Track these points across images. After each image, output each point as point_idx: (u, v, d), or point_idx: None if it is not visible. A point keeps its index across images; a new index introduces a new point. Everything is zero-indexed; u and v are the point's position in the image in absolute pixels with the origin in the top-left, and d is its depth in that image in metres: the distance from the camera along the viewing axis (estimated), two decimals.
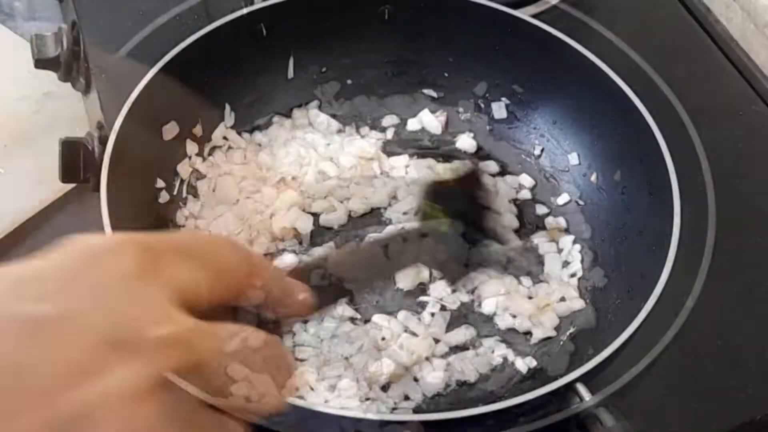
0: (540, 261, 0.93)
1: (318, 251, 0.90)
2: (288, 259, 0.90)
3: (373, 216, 0.95)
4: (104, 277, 0.47)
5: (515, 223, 0.95)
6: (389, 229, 0.92)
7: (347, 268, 0.70)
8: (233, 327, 0.52)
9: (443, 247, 0.81)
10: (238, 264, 0.53)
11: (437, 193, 0.82)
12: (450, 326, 0.88)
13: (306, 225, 0.92)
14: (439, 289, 0.89)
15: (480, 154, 1.01)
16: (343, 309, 0.87)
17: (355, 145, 1.00)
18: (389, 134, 1.02)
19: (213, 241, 0.54)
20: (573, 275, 0.91)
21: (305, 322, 0.86)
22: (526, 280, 0.91)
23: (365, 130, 1.02)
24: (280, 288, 0.59)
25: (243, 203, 0.94)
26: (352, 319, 0.87)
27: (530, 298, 0.90)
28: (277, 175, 0.96)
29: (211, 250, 0.52)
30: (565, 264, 0.93)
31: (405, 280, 0.89)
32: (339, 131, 1.02)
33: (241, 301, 0.56)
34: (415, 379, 0.84)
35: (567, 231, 0.95)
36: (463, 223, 0.82)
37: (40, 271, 0.48)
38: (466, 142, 1.01)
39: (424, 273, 0.89)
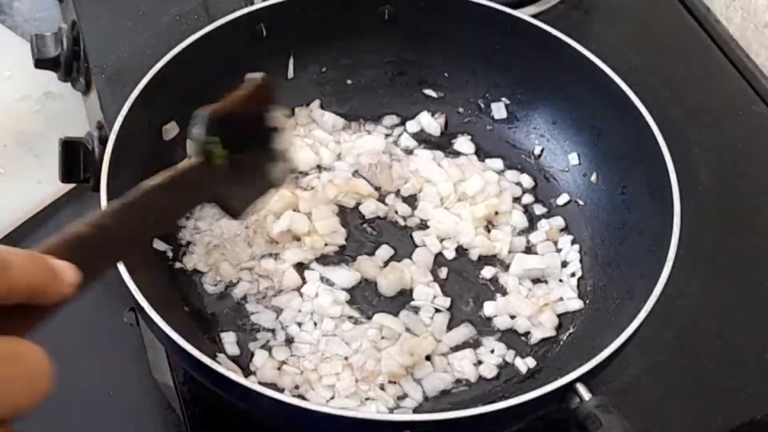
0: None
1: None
2: (291, 257, 0.90)
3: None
4: None
5: (524, 223, 0.95)
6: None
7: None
8: None
9: (218, 185, 0.74)
10: None
11: (218, 122, 0.74)
12: (450, 326, 0.88)
13: (301, 226, 0.92)
14: (424, 292, 0.89)
15: (481, 153, 1.01)
16: (342, 308, 0.87)
17: (365, 139, 1.00)
18: (396, 132, 1.02)
19: None
20: (572, 275, 0.91)
21: (299, 324, 0.86)
22: (526, 281, 0.91)
23: (370, 126, 1.02)
24: (36, 275, 0.50)
25: None
26: (351, 318, 0.87)
27: (529, 297, 0.90)
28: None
29: None
30: (564, 264, 0.93)
31: (387, 287, 0.89)
32: (345, 128, 1.02)
33: None
34: (415, 380, 0.84)
35: (566, 231, 0.95)
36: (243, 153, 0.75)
37: None
38: (463, 144, 1.01)
39: (406, 278, 0.90)
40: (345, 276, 0.89)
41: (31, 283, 0.49)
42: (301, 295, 0.88)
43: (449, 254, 0.93)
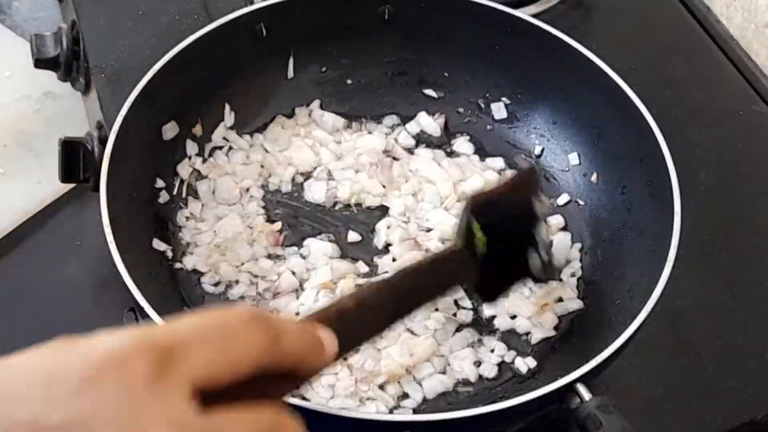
0: None
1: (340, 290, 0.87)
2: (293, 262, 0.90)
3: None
4: (114, 387, 0.44)
5: None
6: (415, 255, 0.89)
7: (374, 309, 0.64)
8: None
9: (474, 270, 0.74)
10: (258, 336, 0.49)
11: (482, 207, 0.75)
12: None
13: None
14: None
15: (481, 153, 1.01)
16: None
17: (365, 138, 1.00)
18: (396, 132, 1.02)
19: (226, 319, 0.50)
20: (573, 275, 0.91)
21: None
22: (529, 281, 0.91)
23: (371, 125, 1.02)
24: (304, 344, 0.53)
25: (245, 204, 0.94)
26: None
27: (529, 297, 0.90)
28: (287, 174, 0.96)
29: (227, 328, 0.48)
30: (566, 263, 0.92)
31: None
32: (346, 127, 1.02)
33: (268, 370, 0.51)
34: (415, 380, 0.84)
35: (566, 230, 0.95)
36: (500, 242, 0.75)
37: (66, 370, 0.44)
38: (463, 145, 1.01)
39: None
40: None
41: (301, 351, 0.51)
42: (297, 298, 0.88)
43: None
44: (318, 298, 0.88)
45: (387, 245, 0.92)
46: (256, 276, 0.89)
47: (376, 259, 0.91)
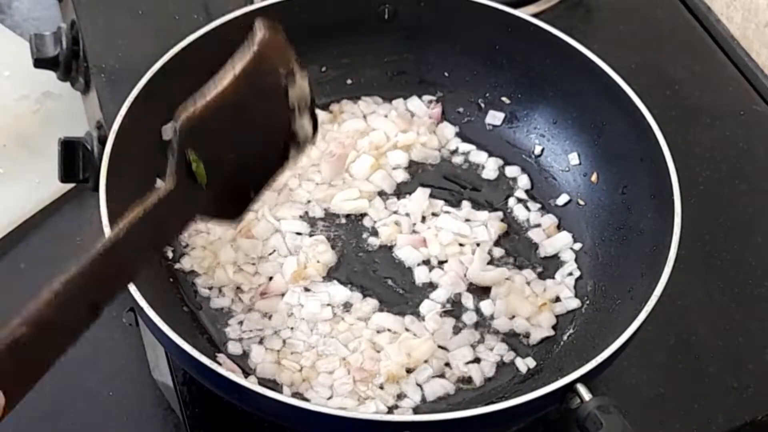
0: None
1: None
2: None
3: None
4: None
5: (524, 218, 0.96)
6: None
7: None
8: None
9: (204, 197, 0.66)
10: None
11: (197, 130, 0.65)
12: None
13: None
14: (441, 293, 0.89)
15: (481, 153, 1.01)
16: (333, 310, 0.87)
17: (365, 138, 1.00)
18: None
19: None
20: (570, 275, 0.91)
21: (291, 328, 0.86)
22: (529, 274, 0.91)
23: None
24: None
25: None
26: (347, 314, 0.87)
27: (528, 298, 0.90)
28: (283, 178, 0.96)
29: None
30: (561, 264, 0.92)
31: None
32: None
33: None
34: (415, 381, 0.84)
35: (565, 230, 0.95)
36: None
37: None
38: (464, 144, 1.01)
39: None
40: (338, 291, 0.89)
41: None
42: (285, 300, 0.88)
43: None
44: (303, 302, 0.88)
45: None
46: (247, 274, 0.89)
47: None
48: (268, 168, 0.74)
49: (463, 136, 1.01)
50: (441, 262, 0.91)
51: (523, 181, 0.98)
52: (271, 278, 0.89)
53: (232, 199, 0.72)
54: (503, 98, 1.02)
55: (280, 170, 0.75)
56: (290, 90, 0.70)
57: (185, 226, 0.69)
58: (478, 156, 1.00)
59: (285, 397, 0.73)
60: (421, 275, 0.90)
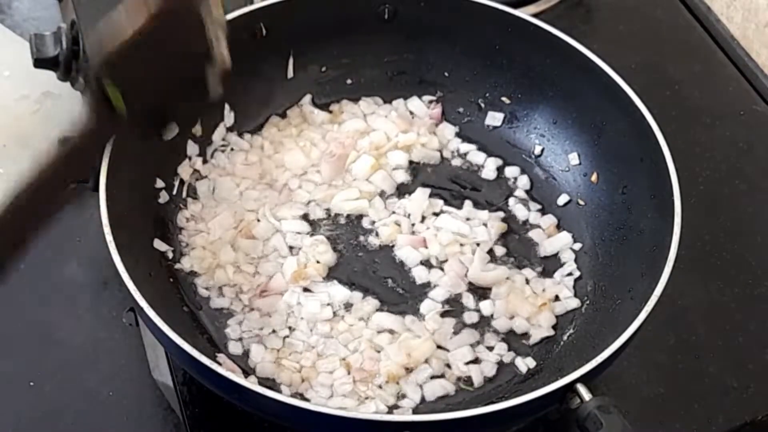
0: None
1: None
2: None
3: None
4: None
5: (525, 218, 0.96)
6: None
7: None
8: None
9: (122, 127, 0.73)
10: None
11: (118, 63, 0.69)
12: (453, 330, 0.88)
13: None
14: (441, 293, 0.89)
15: (481, 153, 1.01)
16: (331, 309, 0.87)
17: (365, 138, 1.00)
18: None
19: None
20: (569, 275, 0.91)
21: (291, 328, 0.86)
22: (529, 272, 0.91)
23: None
24: None
25: (243, 203, 0.94)
26: (347, 313, 0.87)
27: (527, 298, 0.90)
28: (283, 178, 0.96)
29: None
30: (561, 264, 0.92)
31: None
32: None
33: None
34: (415, 381, 0.84)
35: (565, 230, 0.95)
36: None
37: None
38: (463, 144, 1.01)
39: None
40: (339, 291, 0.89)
41: None
42: (284, 300, 0.88)
43: None
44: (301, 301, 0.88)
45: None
46: (247, 274, 0.89)
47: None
48: (187, 93, 0.79)
49: (463, 136, 1.02)
50: (441, 262, 0.91)
51: (523, 181, 0.98)
52: (271, 278, 0.89)
53: (153, 123, 0.79)
54: (503, 98, 1.02)
55: (205, 98, 0.78)
56: (207, 19, 0.74)
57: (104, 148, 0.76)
58: (478, 156, 1.00)
59: (285, 397, 0.73)
60: (421, 275, 0.91)
